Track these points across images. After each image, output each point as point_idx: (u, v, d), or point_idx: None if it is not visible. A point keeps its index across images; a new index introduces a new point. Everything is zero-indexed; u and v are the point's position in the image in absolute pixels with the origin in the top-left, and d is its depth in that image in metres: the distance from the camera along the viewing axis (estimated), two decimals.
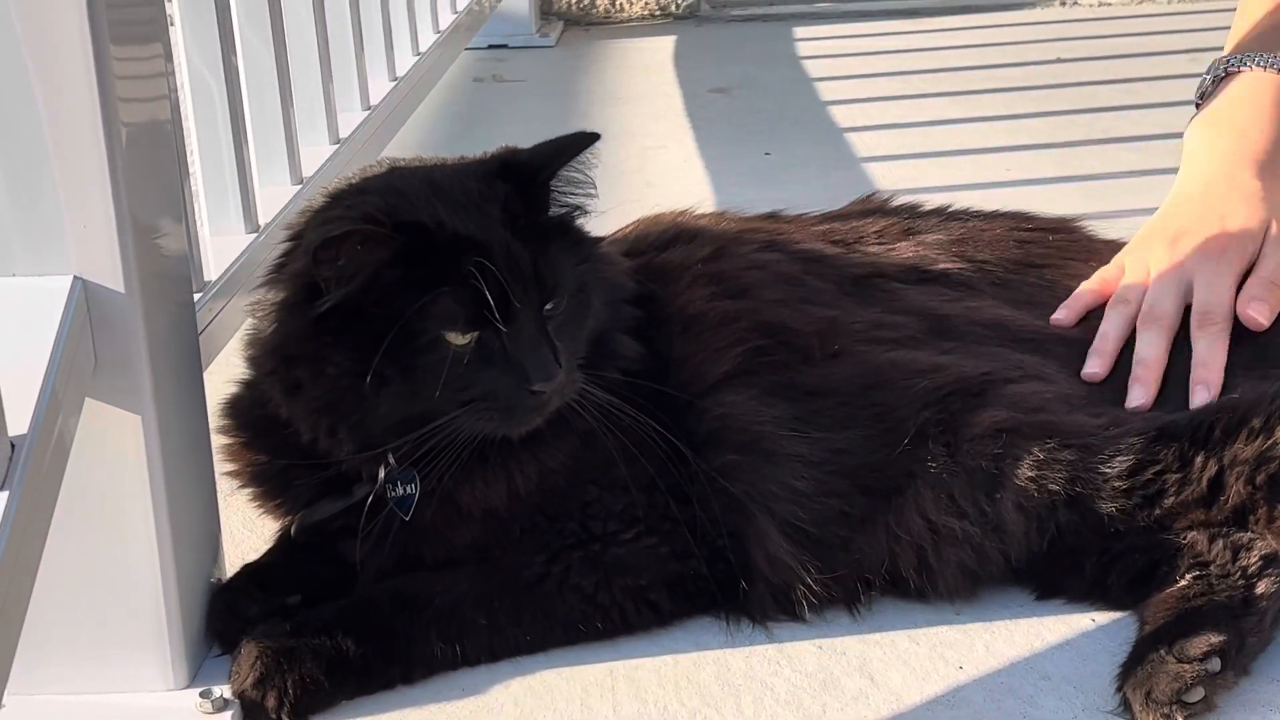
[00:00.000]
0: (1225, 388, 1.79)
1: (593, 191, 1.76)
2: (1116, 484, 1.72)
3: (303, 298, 1.64)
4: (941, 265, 1.91)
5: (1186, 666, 1.55)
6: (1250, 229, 1.94)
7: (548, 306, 1.66)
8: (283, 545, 1.81)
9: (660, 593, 1.74)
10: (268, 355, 1.69)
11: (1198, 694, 1.53)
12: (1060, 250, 2.00)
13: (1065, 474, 1.72)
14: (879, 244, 1.95)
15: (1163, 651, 1.57)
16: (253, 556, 1.85)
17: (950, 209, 2.05)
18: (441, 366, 1.61)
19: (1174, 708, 1.53)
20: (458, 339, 1.61)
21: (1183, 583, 1.67)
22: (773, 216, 2.03)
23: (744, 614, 1.76)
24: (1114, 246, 2.04)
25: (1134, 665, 1.59)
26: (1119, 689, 1.59)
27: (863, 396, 1.77)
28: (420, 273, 1.60)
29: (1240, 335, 1.85)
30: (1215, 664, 1.55)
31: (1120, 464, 1.72)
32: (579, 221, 1.78)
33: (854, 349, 1.80)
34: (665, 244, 1.91)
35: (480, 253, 1.61)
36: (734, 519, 1.74)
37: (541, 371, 1.63)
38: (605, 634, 1.73)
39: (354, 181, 1.75)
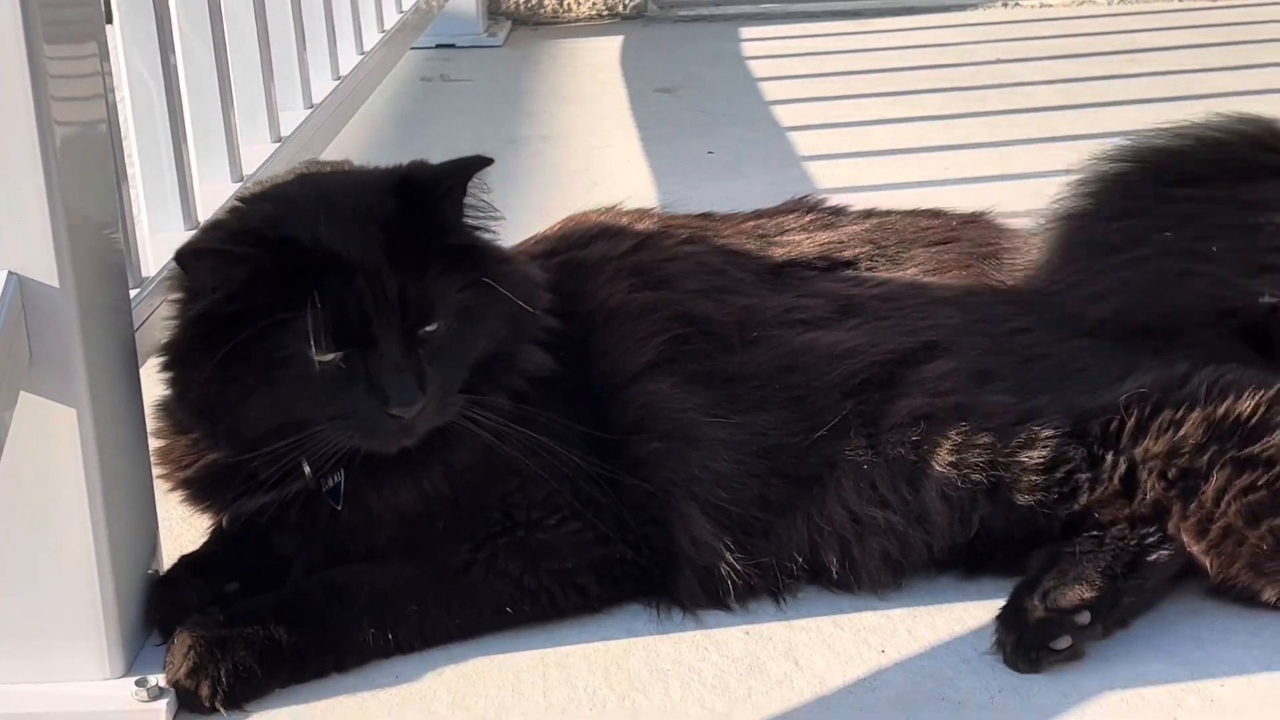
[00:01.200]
0: (1136, 371, 1.81)
1: (495, 214, 1.77)
2: (1034, 477, 1.77)
3: (184, 300, 1.69)
4: (851, 252, 1.96)
5: (1056, 616, 1.67)
6: None
7: (427, 329, 1.66)
8: (220, 536, 1.84)
9: (587, 576, 1.77)
10: (160, 355, 1.74)
11: (1065, 642, 1.66)
12: (961, 229, 2.03)
13: (985, 458, 1.77)
14: (799, 234, 1.99)
15: (1038, 600, 1.68)
16: (191, 549, 1.87)
17: (872, 210, 2.09)
18: (302, 381, 1.63)
19: (1041, 653, 1.65)
20: (318, 356, 1.63)
21: (1077, 539, 1.76)
22: (704, 216, 2.07)
23: (674, 601, 1.80)
24: (1021, 233, 2.07)
25: (1011, 611, 1.70)
26: (995, 631, 1.69)
27: (779, 379, 1.82)
28: (287, 289, 1.62)
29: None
30: (1085, 618, 1.67)
31: (1037, 455, 1.77)
32: (484, 240, 1.77)
33: (770, 334, 1.85)
34: (588, 241, 1.95)
35: (346, 273, 1.63)
36: (658, 505, 1.78)
37: (401, 397, 1.63)
38: (534, 618, 1.77)
39: (266, 186, 1.79)
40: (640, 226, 1.97)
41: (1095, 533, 1.75)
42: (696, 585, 1.79)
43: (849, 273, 1.93)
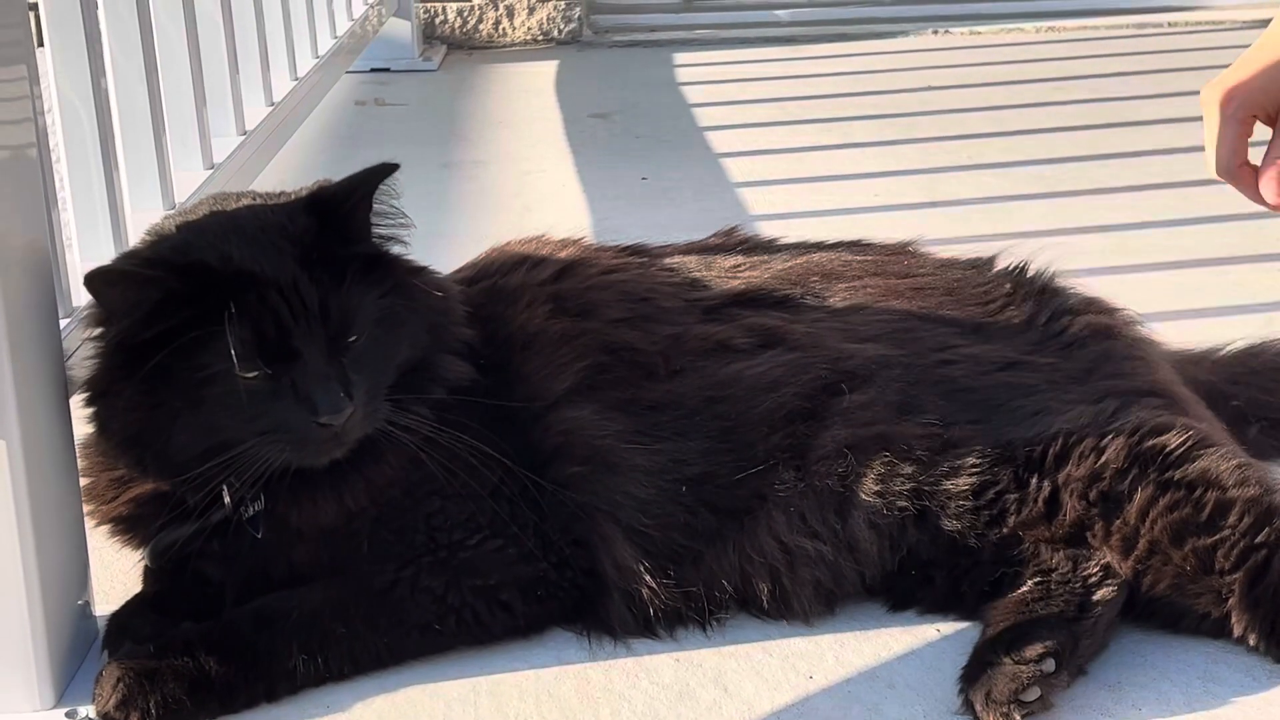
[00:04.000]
0: (1050, 411, 1.84)
1: (405, 221, 1.79)
2: (962, 502, 1.79)
3: (102, 333, 1.69)
4: (781, 293, 1.97)
5: (1023, 668, 1.65)
6: None
7: (349, 339, 1.68)
8: (167, 573, 1.82)
9: (512, 593, 1.78)
10: (82, 391, 1.73)
11: (1034, 693, 1.64)
12: (885, 263, 2.05)
13: (910, 487, 1.79)
14: (728, 275, 2.00)
15: (1001, 654, 1.67)
16: (124, 579, 1.87)
17: (799, 243, 2.11)
18: (228, 399, 1.64)
19: (1012, 706, 1.63)
20: (241, 373, 1.63)
21: (1025, 588, 1.77)
22: (630, 249, 2.07)
23: (603, 629, 1.81)
24: (943, 261, 2.09)
25: (975, 668, 1.69)
26: (961, 690, 1.68)
27: (707, 409, 1.84)
28: (201, 308, 1.63)
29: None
30: (1050, 665, 1.66)
31: (963, 482, 1.79)
32: (396, 250, 1.79)
33: (695, 364, 1.87)
34: (511, 268, 1.96)
35: (262, 289, 1.64)
36: (581, 528, 1.80)
37: (329, 405, 1.64)
38: (461, 637, 1.77)
39: (178, 219, 1.79)
40: (563, 255, 1.98)
41: (1040, 579, 1.76)
42: (625, 610, 1.80)
43: (776, 311, 1.94)
